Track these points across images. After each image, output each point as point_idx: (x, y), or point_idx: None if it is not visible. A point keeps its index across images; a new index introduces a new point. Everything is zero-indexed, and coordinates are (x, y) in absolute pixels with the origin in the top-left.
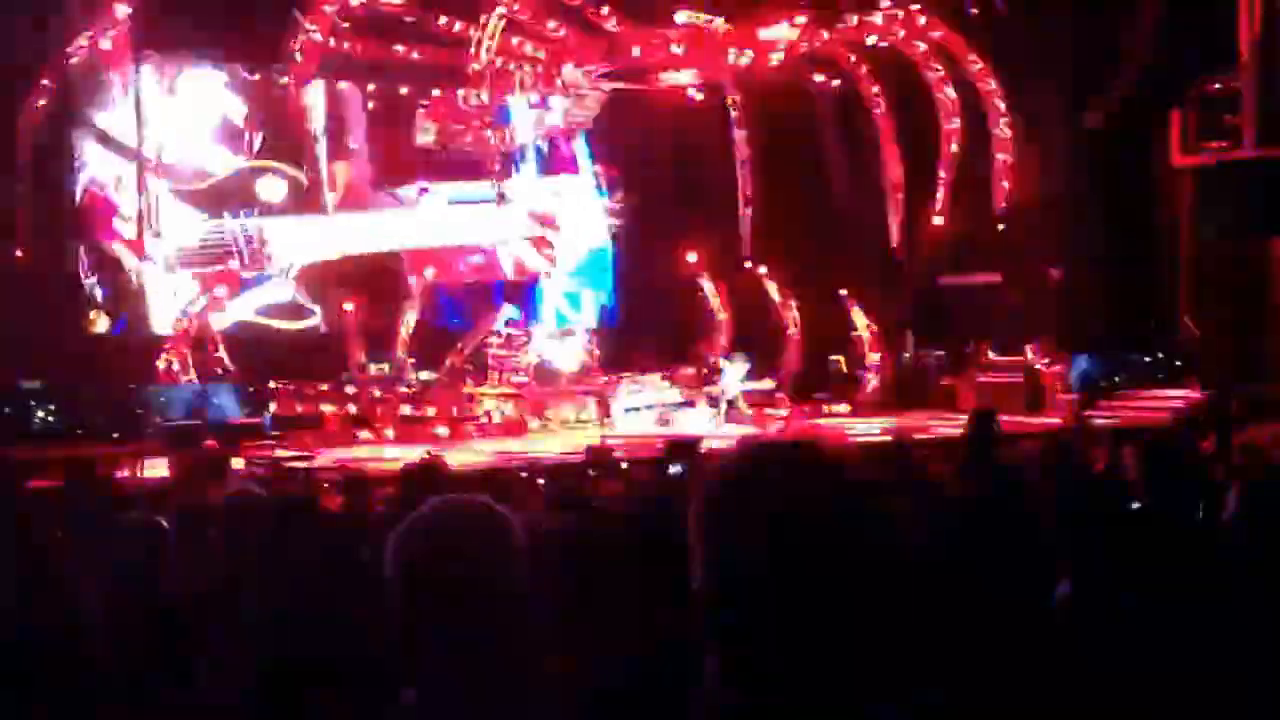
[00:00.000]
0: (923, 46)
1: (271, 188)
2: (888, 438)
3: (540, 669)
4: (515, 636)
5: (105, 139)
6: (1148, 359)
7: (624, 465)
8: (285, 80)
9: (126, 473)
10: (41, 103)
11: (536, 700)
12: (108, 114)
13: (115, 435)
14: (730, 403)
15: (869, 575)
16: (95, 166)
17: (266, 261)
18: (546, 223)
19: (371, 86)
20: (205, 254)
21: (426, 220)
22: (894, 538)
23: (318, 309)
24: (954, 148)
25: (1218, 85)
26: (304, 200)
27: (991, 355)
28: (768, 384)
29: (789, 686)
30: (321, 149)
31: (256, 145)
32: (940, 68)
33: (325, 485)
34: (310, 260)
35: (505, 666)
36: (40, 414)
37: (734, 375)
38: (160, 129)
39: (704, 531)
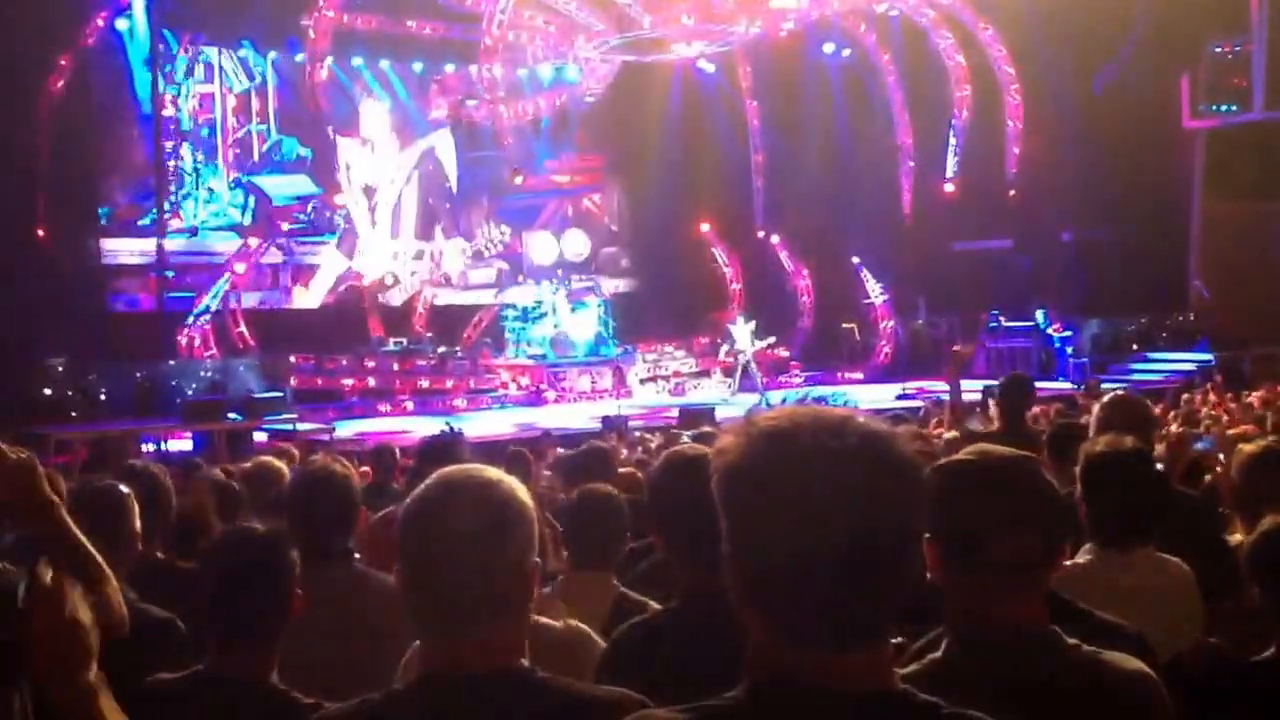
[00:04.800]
0: (932, 13)
1: None
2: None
3: (550, 635)
4: (523, 604)
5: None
6: (1159, 322)
7: (639, 434)
8: (299, 58)
9: (151, 448)
10: (60, 84)
11: (545, 667)
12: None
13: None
14: (745, 367)
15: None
16: None
17: None
18: None
19: (385, 63)
20: None
21: None
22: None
23: None
24: (964, 114)
25: (1227, 48)
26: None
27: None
28: (771, 339)
29: (824, 645)
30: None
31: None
32: (949, 34)
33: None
34: None
35: (510, 635)
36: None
37: (744, 336)
38: None
39: (724, 502)
